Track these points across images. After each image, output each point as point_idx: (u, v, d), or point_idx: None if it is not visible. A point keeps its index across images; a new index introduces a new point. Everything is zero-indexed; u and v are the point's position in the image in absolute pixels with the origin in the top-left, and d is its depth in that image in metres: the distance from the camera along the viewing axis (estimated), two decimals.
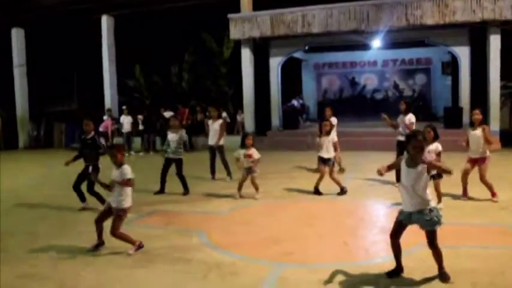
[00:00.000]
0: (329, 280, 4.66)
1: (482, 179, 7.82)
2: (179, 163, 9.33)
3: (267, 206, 8.21)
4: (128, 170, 5.58)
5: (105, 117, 18.43)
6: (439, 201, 7.12)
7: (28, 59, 21.38)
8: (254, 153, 8.52)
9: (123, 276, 5.00)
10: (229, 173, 10.69)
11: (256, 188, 8.66)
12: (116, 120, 18.11)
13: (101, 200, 7.81)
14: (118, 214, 5.61)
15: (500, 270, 4.80)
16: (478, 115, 7.83)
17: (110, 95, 19.99)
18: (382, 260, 5.24)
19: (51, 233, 6.76)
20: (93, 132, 8.29)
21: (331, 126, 9.04)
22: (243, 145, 8.64)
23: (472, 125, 8.03)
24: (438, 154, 7.13)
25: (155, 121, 17.67)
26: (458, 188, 8.07)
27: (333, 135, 8.75)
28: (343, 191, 8.78)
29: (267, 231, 6.54)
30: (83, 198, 8.25)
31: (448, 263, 5.05)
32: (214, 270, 5.06)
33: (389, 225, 6.81)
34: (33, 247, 6.10)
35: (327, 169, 8.72)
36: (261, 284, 4.66)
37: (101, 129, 18.25)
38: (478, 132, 7.73)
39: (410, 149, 4.49)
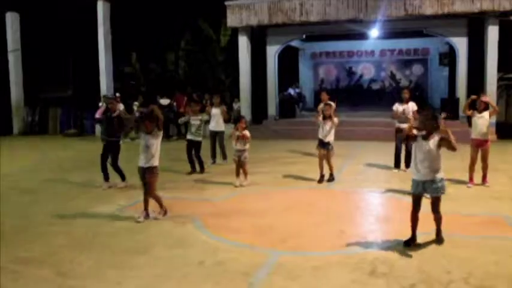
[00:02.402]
0: (325, 268, 4.67)
1: (485, 159, 8.24)
2: (198, 145, 10.07)
3: (263, 193, 8.20)
4: (159, 133, 6.45)
5: (100, 104, 18.30)
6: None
7: (23, 44, 21.15)
8: (246, 134, 8.63)
9: (119, 262, 4.99)
10: (225, 157, 11.18)
11: (246, 174, 8.75)
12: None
13: (123, 176, 8.75)
14: (152, 172, 6.37)
15: (494, 259, 4.82)
16: (483, 101, 8.27)
17: (105, 82, 19.82)
18: (378, 248, 5.26)
19: (45, 218, 6.73)
20: (118, 111, 8.98)
21: (332, 109, 9.07)
22: (237, 128, 8.77)
23: (477, 109, 8.33)
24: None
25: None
26: (451, 174, 8.11)
27: (335, 120, 8.82)
28: (331, 178, 8.91)
29: (263, 218, 6.54)
30: (107, 177, 8.78)
31: (443, 251, 5.09)
32: (210, 257, 5.06)
33: (386, 213, 6.90)
34: (28, 232, 6.08)
35: (324, 152, 8.78)
36: (257, 270, 4.67)
37: (97, 115, 18.15)
38: (485, 115, 8.21)
39: (423, 123, 5.11)
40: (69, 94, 21.88)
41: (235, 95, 19.11)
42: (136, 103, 17.98)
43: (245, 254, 5.12)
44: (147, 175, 6.41)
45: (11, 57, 21.04)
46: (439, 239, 5.33)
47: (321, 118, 8.90)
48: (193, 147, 10.08)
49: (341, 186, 8.66)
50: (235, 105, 19.17)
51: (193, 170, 10.04)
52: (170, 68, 21.50)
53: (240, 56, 18.15)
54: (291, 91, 20.31)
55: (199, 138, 10.11)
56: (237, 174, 8.72)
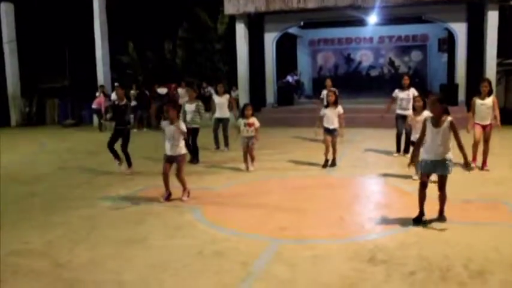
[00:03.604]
0: (325, 256, 4.65)
1: (487, 142, 8.43)
2: (195, 132, 9.98)
3: (261, 181, 8.18)
4: (182, 124, 6.87)
5: (97, 94, 18.22)
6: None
7: (18, 34, 20.97)
8: (255, 122, 8.80)
9: (117, 252, 4.97)
10: (227, 144, 11.38)
11: (253, 159, 8.88)
12: (108, 97, 17.92)
13: (129, 163, 8.99)
14: (179, 160, 6.75)
15: (494, 245, 4.80)
16: (486, 87, 8.36)
17: (102, 72, 19.70)
18: (377, 236, 5.24)
19: (43, 210, 6.70)
20: (125, 100, 9.20)
21: (336, 96, 9.16)
22: (243, 115, 8.91)
23: (480, 95, 8.44)
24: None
25: (149, 97, 17.48)
26: None
27: (339, 108, 8.96)
28: (333, 163, 9.07)
29: (262, 207, 6.51)
30: (117, 156, 9.05)
31: (443, 238, 5.08)
32: (209, 246, 5.03)
33: (385, 200, 6.88)
34: (25, 224, 6.05)
35: (330, 139, 8.90)
36: (256, 259, 4.65)
37: (94, 106, 18.08)
38: (488, 102, 8.36)
39: (432, 108, 5.47)
40: (66, 84, 21.76)
41: (233, 82, 19.02)
42: (132, 92, 17.89)
43: (244, 243, 5.10)
44: (177, 162, 6.83)
45: (6, 48, 20.88)
46: (441, 218, 5.55)
47: (322, 111, 9.02)
48: (190, 134, 9.92)
49: (341, 174, 8.64)
50: (233, 93, 19.07)
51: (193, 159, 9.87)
52: (167, 57, 21.36)
53: (237, 43, 18.03)
54: (289, 78, 20.21)
55: (195, 126, 9.99)
56: (245, 160, 8.88)
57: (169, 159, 6.80)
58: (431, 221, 5.51)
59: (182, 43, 21.09)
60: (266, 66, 18.61)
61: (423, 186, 5.50)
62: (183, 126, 6.84)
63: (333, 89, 10.53)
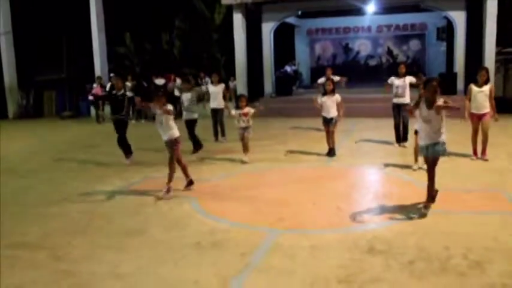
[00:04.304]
0: (323, 246, 4.64)
1: (485, 132, 8.23)
2: (192, 123, 9.92)
3: (259, 172, 8.15)
4: (169, 105, 6.71)
5: (95, 85, 18.14)
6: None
7: (14, 26, 20.80)
8: (250, 111, 8.79)
9: (115, 244, 4.95)
10: (223, 134, 11.44)
11: (247, 150, 8.85)
12: (105, 88, 17.82)
13: (128, 152, 9.08)
14: (171, 144, 6.65)
15: (493, 235, 4.79)
16: (484, 76, 8.18)
17: (99, 63, 19.60)
18: (376, 226, 5.23)
19: (42, 202, 6.67)
20: (123, 90, 9.16)
21: (334, 84, 9.18)
22: (237, 107, 8.92)
23: (477, 82, 8.26)
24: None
25: (146, 88, 17.38)
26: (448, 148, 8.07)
27: (337, 96, 8.96)
28: (331, 153, 9.05)
29: (260, 198, 6.48)
30: (129, 151, 9.14)
31: (442, 227, 5.06)
32: (208, 237, 5.01)
33: (384, 190, 6.86)
34: (24, 216, 6.02)
35: (329, 128, 8.95)
36: (255, 250, 4.63)
37: (90, 97, 18.00)
38: (485, 89, 8.14)
39: (427, 92, 5.42)
40: (63, 76, 21.65)
41: (231, 73, 18.93)
42: (128, 83, 17.77)
43: (242, 234, 5.08)
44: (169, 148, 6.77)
45: (2, 40, 20.74)
46: (430, 197, 5.51)
47: (320, 98, 9.02)
48: (187, 125, 9.95)
49: (339, 163, 8.61)
50: (231, 84, 19.01)
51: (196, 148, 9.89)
52: (165, 48, 21.23)
53: (235, 33, 17.92)
54: (288, 68, 20.12)
55: (192, 116, 9.99)
56: (244, 151, 8.89)
57: (167, 145, 6.76)
58: (425, 220, 5.30)
59: (179, 33, 20.96)
60: (264, 56, 18.52)
61: (431, 167, 5.53)
62: (169, 106, 6.69)
63: (333, 77, 10.52)
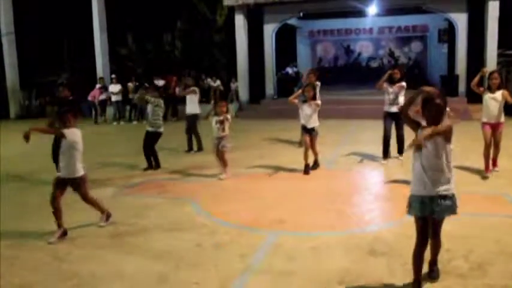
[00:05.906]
0: (324, 248, 4.63)
1: (498, 144, 7.35)
2: (154, 137, 8.58)
3: (259, 174, 8.13)
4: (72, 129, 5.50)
5: (98, 86, 18.14)
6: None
7: (16, 27, 20.83)
8: (225, 118, 7.49)
9: (116, 245, 4.95)
10: (200, 147, 10.31)
11: (225, 165, 7.69)
12: (105, 89, 17.83)
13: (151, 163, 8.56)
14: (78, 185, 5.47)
15: (495, 238, 4.78)
16: (496, 79, 7.16)
17: (101, 64, 19.62)
18: (377, 228, 5.22)
19: (42, 203, 6.64)
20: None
21: (315, 90, 8.17)
22: (215, 113, 7.72)
23: (490, 88, 7.23)
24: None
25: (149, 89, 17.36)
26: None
27: (318, 102, 7.97)
28: (316, 165, 8.13)
29: (260, 200, 6.48)
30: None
31: (443, 229, 5.02)
32: (208, 239, 5.01)
33: (383, 193, 6.85)
34: (23, 217, 6.03)
35: (309, 139, 7.93)
36: (255, 252, 4.62)
37: (89, 98, 18.00)
38: (498, 96, 7.11)
39: (428, 115, 3.50)
40: (65, 77, 21.66)
41: (233, 74, 18.94)
42: (130, 84, 17.78)
43: (243, 236, 5.08)
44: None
45: (4, 41, 20.75)
46: (433, 271, 3.95)
47: (297, 101, 8.04)
48: (148, 139, 8.58)
49: (339, 166, 8.60)
50: (232, 85, 19.02)
51: (149, 166, 8.59)
52: (166, 49, 21.26)
53: (236, 35, 17.94)
54: (289, 70, 20.13)
55: (154, 129, 8.48)
56: (222, 165, 7.74)
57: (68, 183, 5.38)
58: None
59: (181, 35, 20.98)
60: (265, 57, 18.53)
61: (421, 243, 3.67)
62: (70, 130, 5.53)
63: (314, 83, 8.82)
